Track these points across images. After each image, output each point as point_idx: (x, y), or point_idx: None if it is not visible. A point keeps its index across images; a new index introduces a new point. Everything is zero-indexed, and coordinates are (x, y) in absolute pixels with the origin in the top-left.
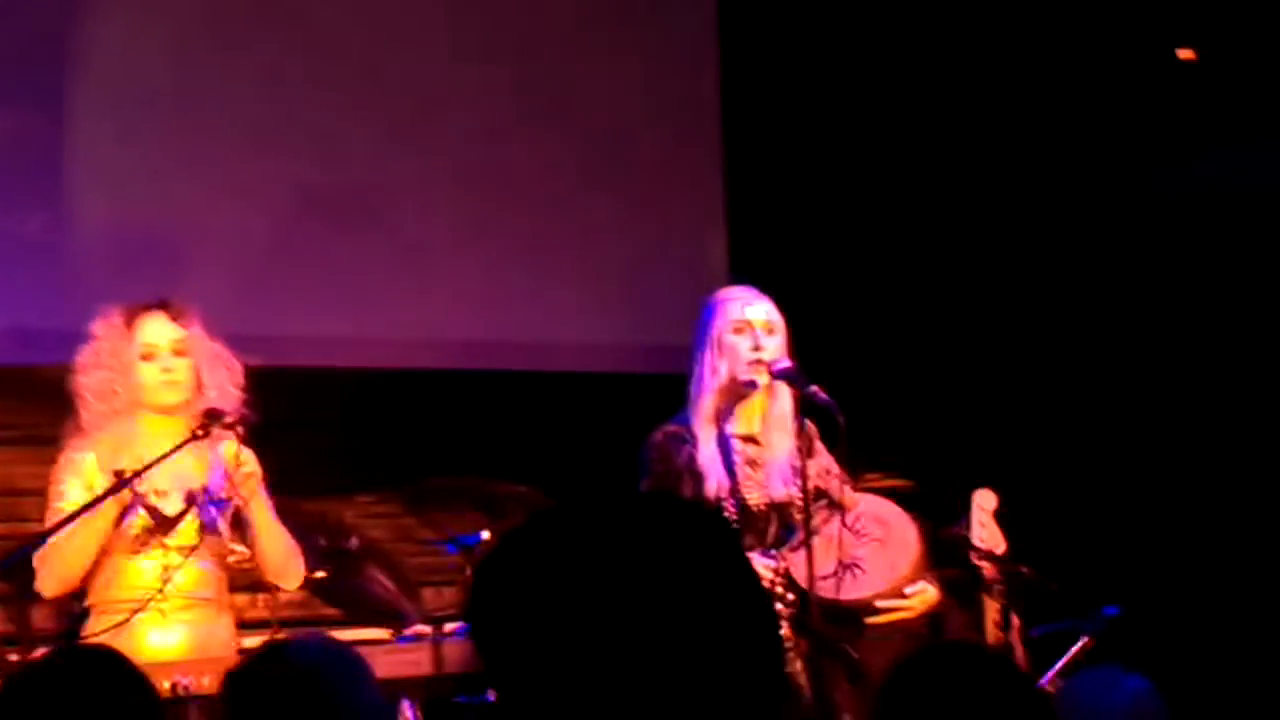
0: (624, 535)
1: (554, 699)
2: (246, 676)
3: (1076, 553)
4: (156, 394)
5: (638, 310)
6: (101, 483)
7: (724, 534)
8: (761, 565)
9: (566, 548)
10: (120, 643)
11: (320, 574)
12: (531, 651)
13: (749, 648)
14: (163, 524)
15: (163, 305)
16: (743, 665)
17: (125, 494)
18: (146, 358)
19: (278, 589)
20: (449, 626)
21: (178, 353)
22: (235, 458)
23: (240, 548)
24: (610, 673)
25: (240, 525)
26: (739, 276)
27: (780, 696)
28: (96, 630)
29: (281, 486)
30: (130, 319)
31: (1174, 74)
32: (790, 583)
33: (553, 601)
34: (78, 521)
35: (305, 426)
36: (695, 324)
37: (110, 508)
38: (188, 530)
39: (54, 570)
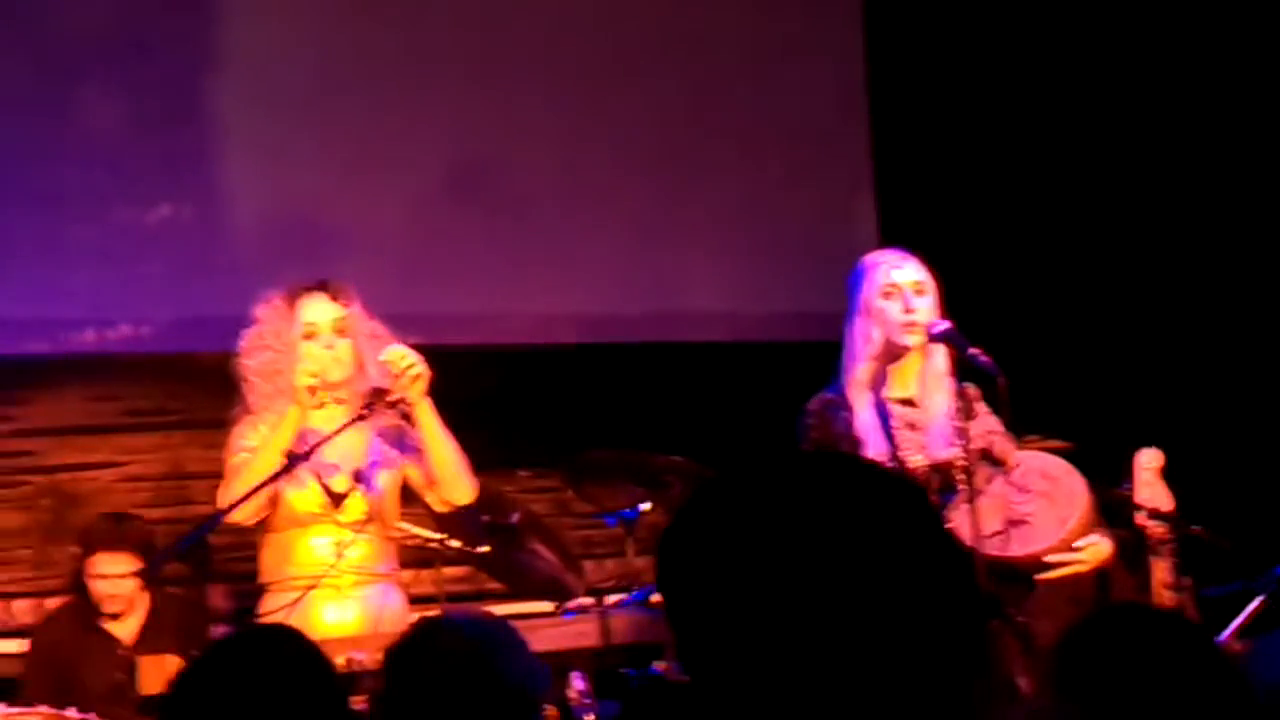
0: (812, 495)
1: (745, 666)
2: (404, 652)
3: (1249, 511)
4: (325, 373)
5: (789, 278)
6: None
7: (916, 495)
8: None
9: (754, 509)
10: (296, 620)
11: (484, 548)
12: (723, 617)
13: (947, 612)
14: (333, 500)
15: (322, 285)
16: (941, 630)
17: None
18: (309, 336)
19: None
20: (612, 598)
21: (339, 331)
22: (401, 359)
23: (404, 525)
24: (802, 638)
25: (406, 498)
26: (889, 240)
27: (981, 663)
28: (272, 608)
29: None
30: (291, 299)
31: None
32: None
33: (743, 564)
34: (260, 452)
35: (464, 404)
36: (845, 290)
37: (290, 426)
38: (355, 506)
39: (238, 492)
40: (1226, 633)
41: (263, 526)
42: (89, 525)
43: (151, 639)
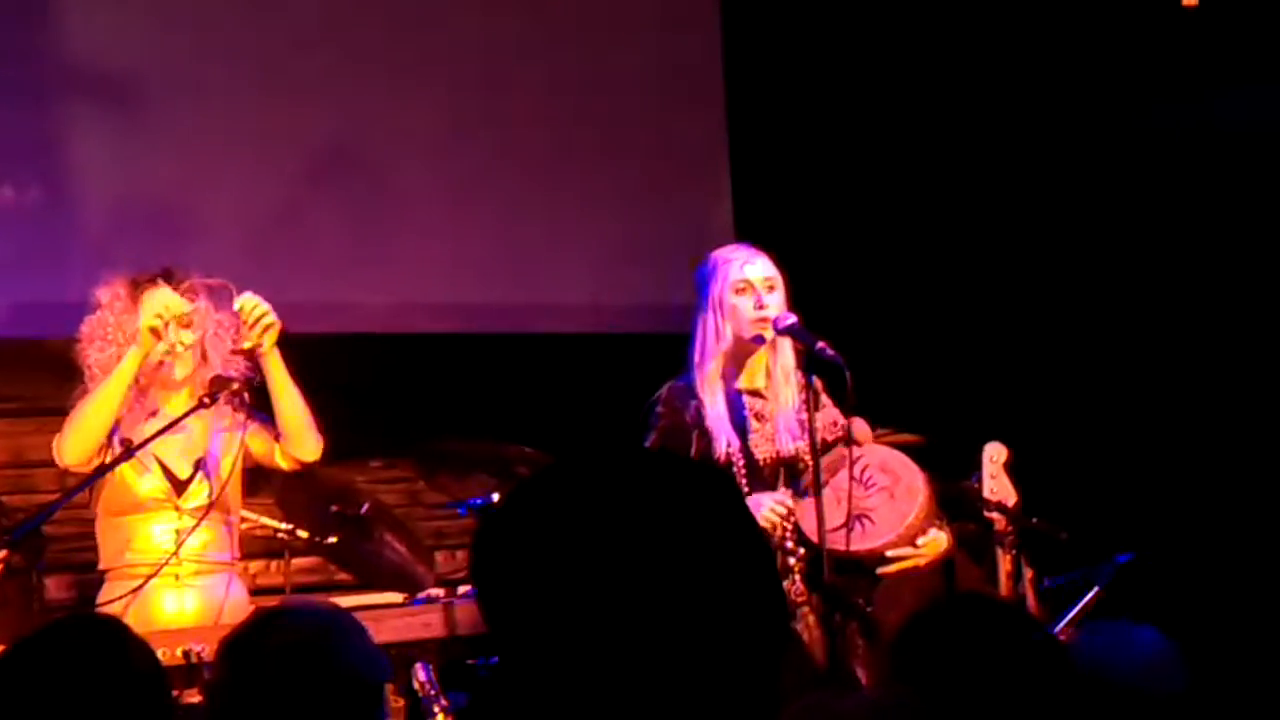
0: (625, 491)
1: (556, 657)
2: (238, 642)
3: (1088, 504)
4: (167, 368)
5: (644, 270)
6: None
7: (726, 489)
8: (770, 507)
9: (567, 505)
10: (135, 610)
11: (333, 539)
12: (533, 610)
13: (752, 604)
14: (175, 486)
15: (167, 276)
16: (745, 622)
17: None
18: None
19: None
20: (462, 589)
21: (183, 325)
22: (254, 308)
23: (251, 515)
24: (611, 630)
25: (250, 484)
26: (744, 234)
27: (781, 652)
28: (110, 597)
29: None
30: (135, 291)
31: (1177, 19)
32: (800, 536)
33: (554, 559)
34: (97, 390)
35: (314, 392)
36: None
37: (130, 367)
38: (198, 492)
39: (72, 431)
40: (1064, 621)
41: (103, 511)
42: None
43: (6, 622)
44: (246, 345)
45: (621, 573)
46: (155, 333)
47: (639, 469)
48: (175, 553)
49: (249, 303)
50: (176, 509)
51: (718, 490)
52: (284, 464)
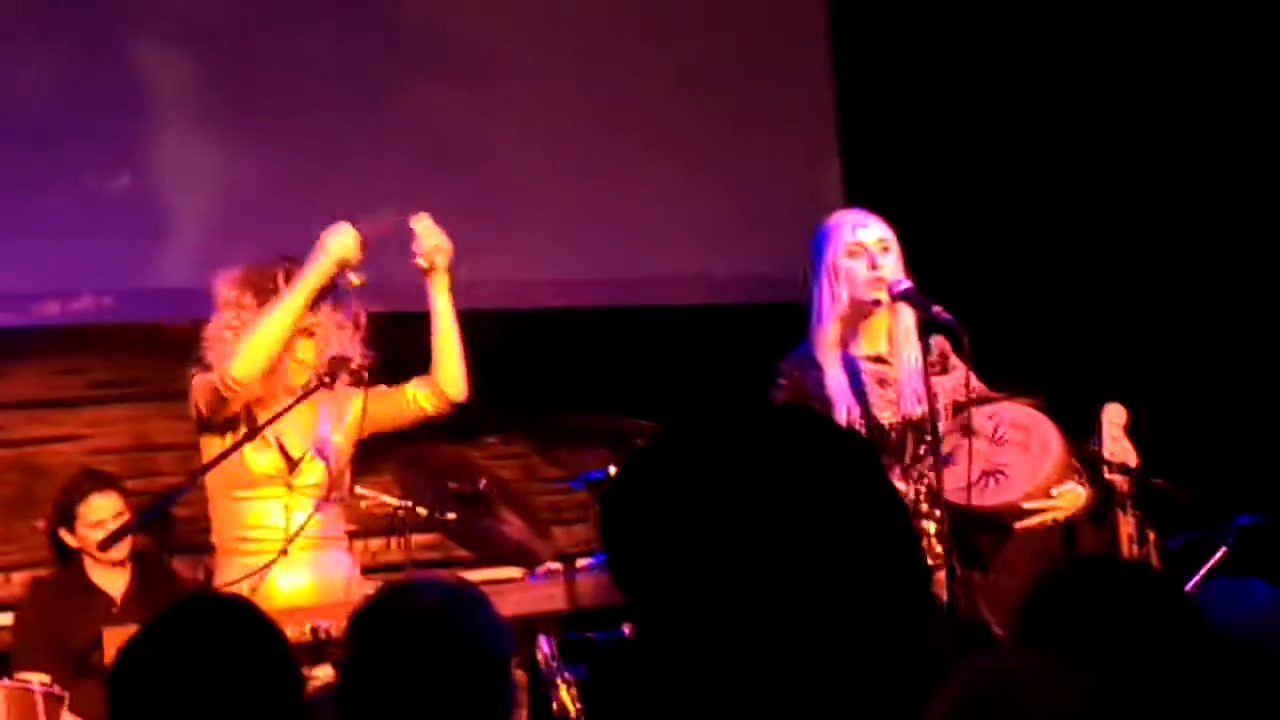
0: (761, 451)
1: (692, 625)
2: (368, 616)
3: (1211, 464)
4: (292, 374)
5: (754, 240)
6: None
7: (862, 448)
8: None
9: (698, 466)
10: (256, 587)
11: (451, 515)
12: (666, 576)
13: (893, 567)
14: (290, 464)
15: (288, 274)
16: (887, 584)
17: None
18: None
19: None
20: (580, 562)
21: (308, 335)
22: (429, 232)
23: (369, 492)
24: (748, 595)
25: (368, 462)
26: (854, 199)
27: (925, 616)
28: (229, 578)
29: (409, 432)
30: (261, 300)
31: None
32: (934, 497)
33: (687, 522)
34: (274, 308)
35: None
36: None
37: (311, 282)
38: (311, 471)
39: (247, 347)
40: (1190, 583)
41: (216, 488)
42: (68, 483)
43: (138, 602)
44: (422, 264)
45: (757, 535)
46: (342, 268)
47: (768, 426)
48: (294, 536)
49: (424, 225)
50: (288, 486)
51: (854, 451)
52: (427, 406)
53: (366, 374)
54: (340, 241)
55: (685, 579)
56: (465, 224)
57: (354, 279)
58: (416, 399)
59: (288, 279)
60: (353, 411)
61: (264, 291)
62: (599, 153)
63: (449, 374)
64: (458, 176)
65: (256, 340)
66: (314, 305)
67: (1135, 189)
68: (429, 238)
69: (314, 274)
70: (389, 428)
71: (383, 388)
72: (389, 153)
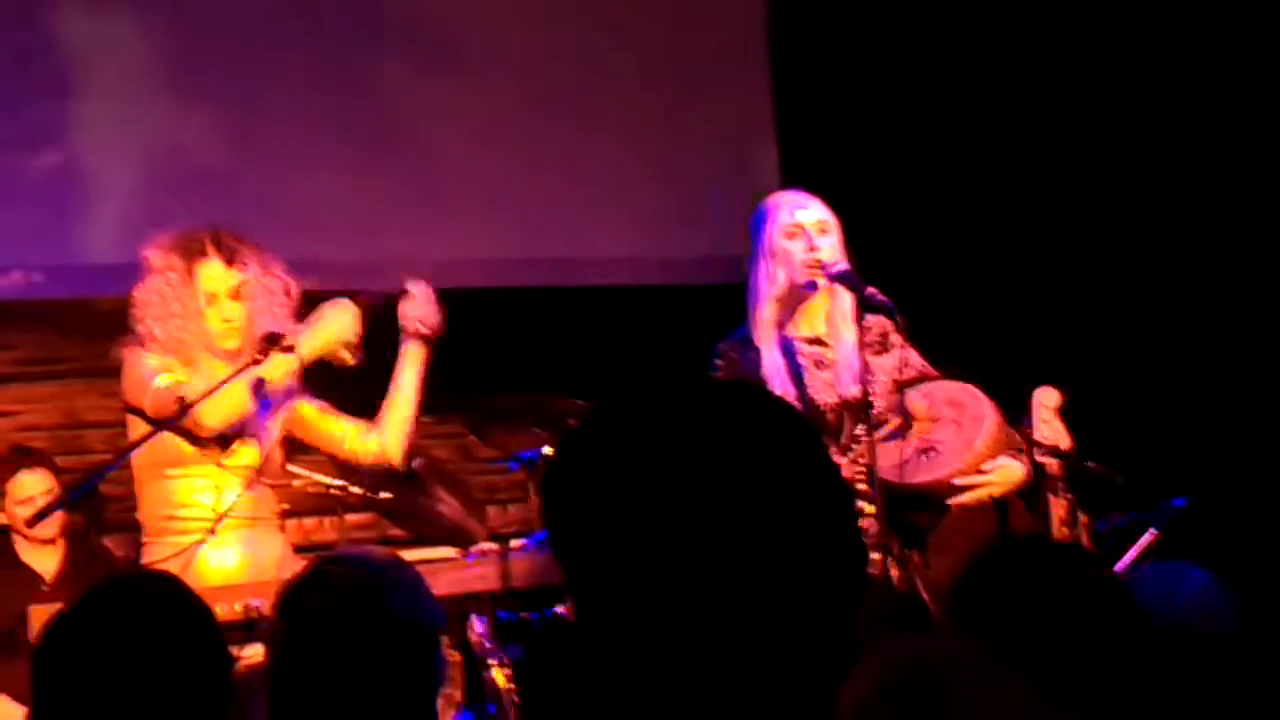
0: (699, 425)
1: (630, 601)
2: (295, 591)
3: (1141, 447)
4: (219, 340)
5: (690, 222)
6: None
7: (801, 423)
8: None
9: (639, 440)
10: (180, 568)
11: (385, 495)
12: (605, 551)
13: (831, 546)
14: (221, 443)
15: (216, 244)
16: (825, 564)
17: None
18: (208, 303)
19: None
20: (515, 543)
21: (234, 297)
22: (423, 298)
23: (303, 471)
24: (685, 571)
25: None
26: (790, 181)
27: (860, 594)
28: (156, 557)
29: (342, 410)
30: (189, 262)
31: None
32: (870, 475)
33: (626, 496)
34: (233, 383)
35: (365, 348)
36: (747, 233)
37: (275, 374)
38: (244, 452)
39: (218, 415)
40: (1120, 565)
41: (145, 466)
42: None
43: (69, 580)
44: (404, 326)
45: (696, 510)
46: (348, 350)
47: (714, 403)
48: (223, 516)
49: (419, 291)
50: (219, 465)
51: (794, 426)
52: (363, 458)
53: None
54: (341, 322)
55: (624, 554)
56: (401, 203)
57: (348, 357)
58: (353, 448)
59: (216, 245)
60: (284, 409)
61: (191, 254)
62: (534, 132)
63: (395, 438)
64: (394, 153)
65: (234, 397)
66: (243, 264)
67: (1068, 171)
68: (417, 307)
69: (309, 349)
70: (310, 444)
71: (319, 407)
72: (325, 128)
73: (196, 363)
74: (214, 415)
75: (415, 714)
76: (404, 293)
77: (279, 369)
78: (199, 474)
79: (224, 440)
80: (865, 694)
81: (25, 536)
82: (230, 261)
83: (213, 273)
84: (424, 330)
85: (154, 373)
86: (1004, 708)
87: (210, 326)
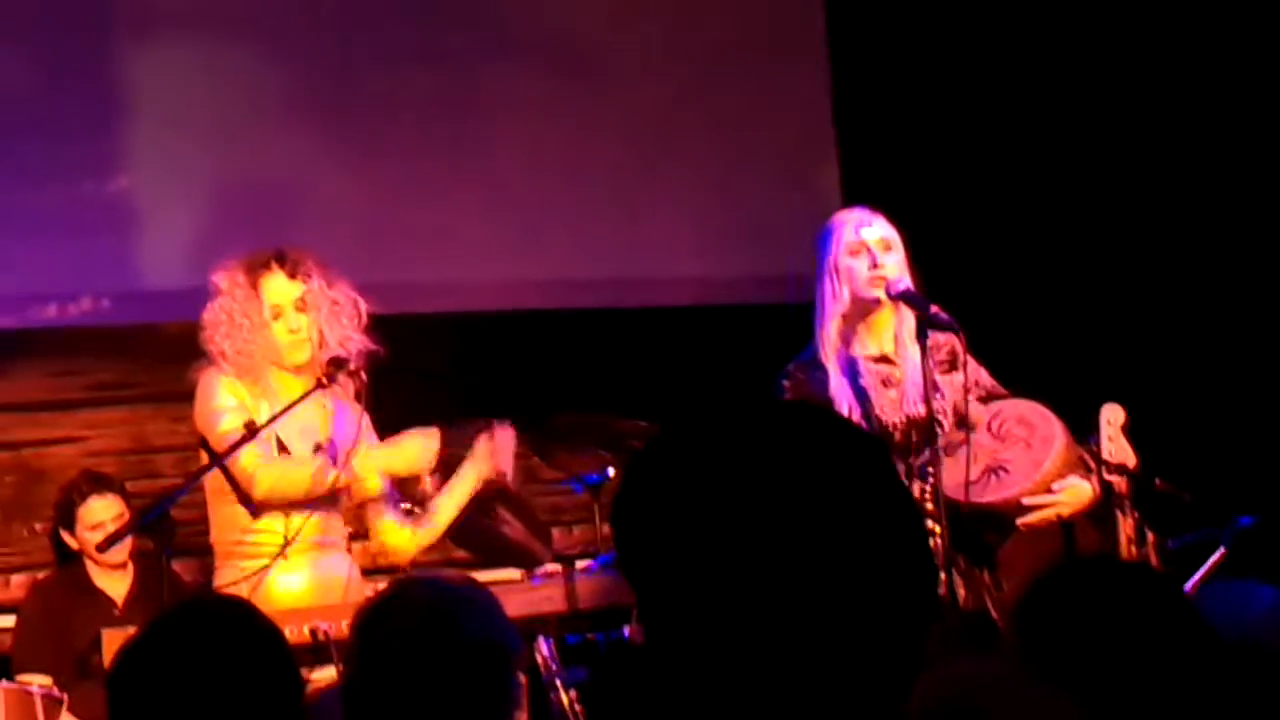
0: (768, 447)
1: (700, 624)
2: (371, 614)
3: (1210, 465)
4: (289, 354)
5: (753, 241)
6: (248, 397)
7: (872, 445)
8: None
9: (709, 463)
10: (254, 590)
11: None
12: (676, 573)
13: (903, 570)
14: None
15: (280, 260)
16: (896, 584)
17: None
18: (275, 317)
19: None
20: (580, 564)
21: (300, 309)
22: (504, 444)
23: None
24: (756, 594)
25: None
26: (852, 200)
27: (931, 617)
28: (227, 580)
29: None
30: (253, 277)
31: None
32: (937, 495)
33: (697, 519)
34: (316, 475)
35: (426, 373)
36: (813, 251)
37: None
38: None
39: (278, 484)
40: (1190, 584)
41: (217, 493)
42: (68, 484)
43: (140, 604)
44: (474, 455)
45: (767, 534)
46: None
47: (783, 425)
48: (290, 541)
49: (502, 436)
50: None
51: (865, 448)
52: (389, 545)
53: (364, 374)
54: (421, 451)
55: (693, 577)
56: (464, 226)
57: (425, 484)
58: (387, 528)
59: (279, 260)
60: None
61: (254, 270)
62: (597, 153)
63: (424, 541)
64: (456, 176)
65: (291, 482)
66: (306, 276)
67: (1136, 189)
68: (498, 452)
69: (383, 464)
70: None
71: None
72: (388, 150)
73: (266, 379)
74: (267, 485)
75: None
76: (490, 431)
77: (368, 480)
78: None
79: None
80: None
81: (96, 562)
82: (293, 275)
83: (276, 285)
84: (491, 474)
85: (221, 412)
86: None
87: (277, 339)
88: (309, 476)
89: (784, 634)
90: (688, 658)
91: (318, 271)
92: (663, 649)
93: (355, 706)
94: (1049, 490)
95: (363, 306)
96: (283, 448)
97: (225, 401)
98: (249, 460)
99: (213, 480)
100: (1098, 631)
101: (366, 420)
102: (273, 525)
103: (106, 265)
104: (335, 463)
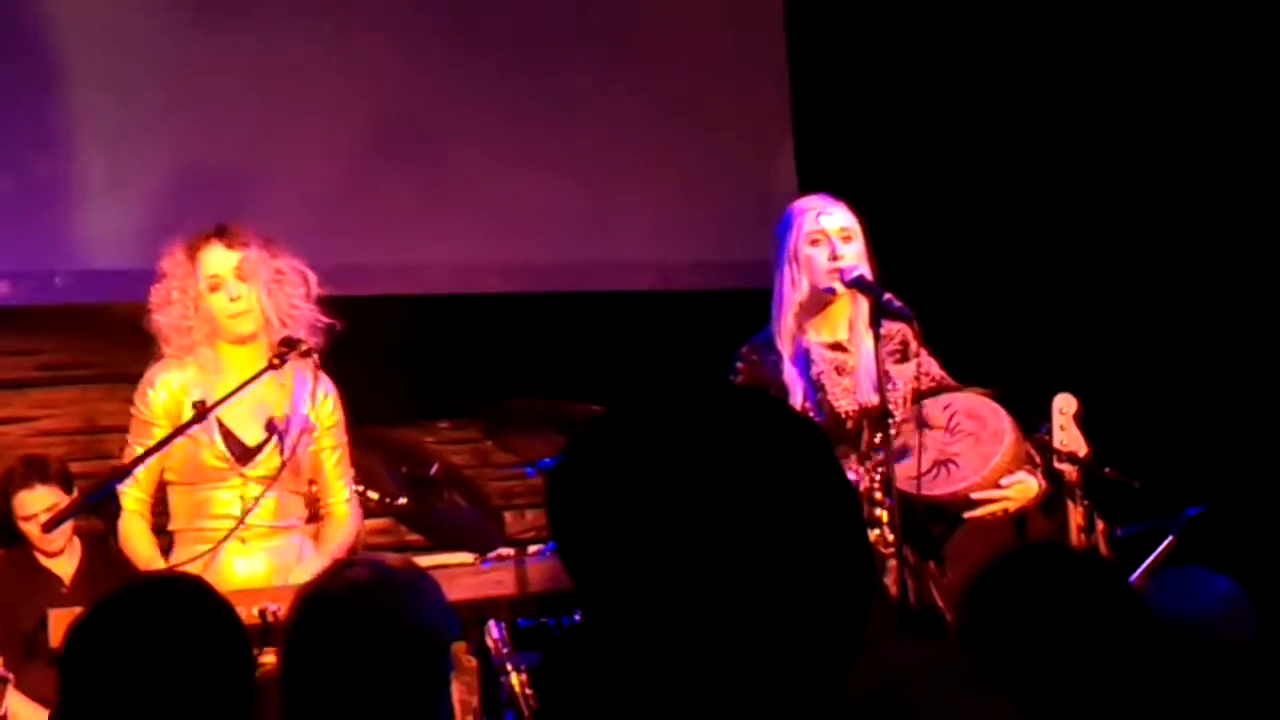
0: (707, 431)
1: (637, 607)
2: (309, 598)
3: (1159, 454)
4: (229, 324)
5: (710, 226)
6: (185, 407)
7: (811, 431)
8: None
9: (647, 446)
10: (205, 572)
11: (402, 501)
12: (613, 557)
13: (839, 553)
14: (242, 454)
15: (219, 232)
16: (832, 571)
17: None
18: (213, 289)
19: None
20: (532, 549)
21: (240, 278)
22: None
23: None
24: (692, 577)
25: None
26: (808, 187)
27: (866, 604)
28: (180, 560)
29: (361, 416)
30: (191, 252)
31: None
32: (887, 486)
33: (633, 502)
34: (140, 545)
35: (383, 354)
36: (771, 238)
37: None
38: (268, 460)
39: (124, 543)
40: (1138, 572)
41: (171, 476)
42: (6, 472)
43: (88, 583)
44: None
45: (702, 517)
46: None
47: (723, 410)
48: (241, 521)
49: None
50: (242, 477)
51: (804, 434)
52: (335, 516)
53: (316, 356)
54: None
55: (629, 559)
56: (417, 205)
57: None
58: (333, 509)
59: (218, 233)
60: (322, 411)
61: (193, 244)
62: (551, 137)
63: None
64: (408, 159)
65: (129, 551)
66: (244, 245)
67: (1091, 178)
68: None
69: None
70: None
71: (338, 458)
72: (340, 134)
73: (212, 356)
74: (121, 534)
75: (423, 718)
76: None
77: None
78: (224, 486)
79: (247, 452)
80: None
81: (37, 547)
82: (231, 245)
83: (215, 256)
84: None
85: (133, 430)
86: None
87: (215, 309)
88: (136, 559)
89: (719, 615)
90: (624, 640)
91: (259, 242)
92: (600, 632)
93: (292, 688)
94: (997, 485)
95: (311, 278)
96: (231, 438)
97: (143, 415)
98: (128, 501)
99: (169, 463)
100: (1042, 618)
101: (332, 400)
102: (228, 510)
103: (59, 245)
104: (283, 441)
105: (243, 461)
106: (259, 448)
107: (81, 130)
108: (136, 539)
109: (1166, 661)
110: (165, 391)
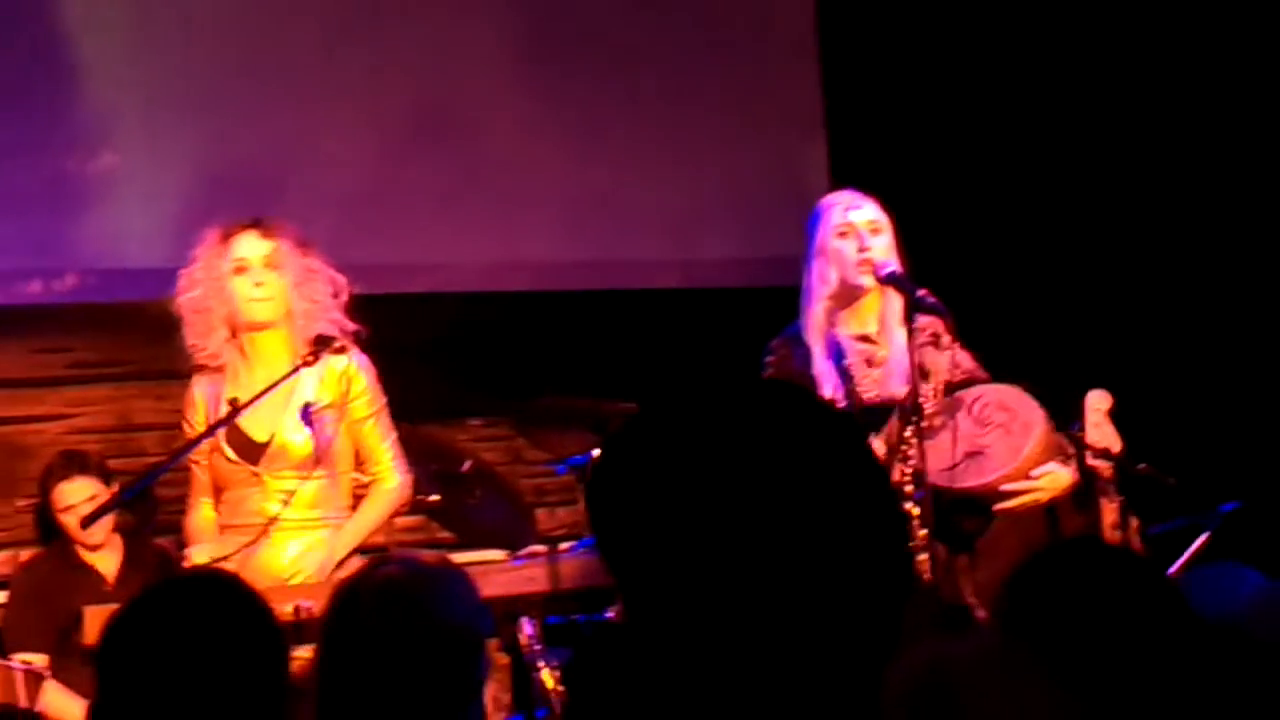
0: (743, 426)
1: (677, 603)
2: (343, 594)
3: (1194, 450)
4: (248, 309)
5: (740, 225)
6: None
7: (847, 424)
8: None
9: (684, 442)
10: (241, 566)
11: (434, 498)
12: (652, 554)
13: (876, 545)
14: (249, 453)
15: (255, 222)
16: (870, 562)
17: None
18: (238, 272)
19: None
20: (563, 546)
21: (268, 266)
22: None
23: (354, 473)
24: (731, 572)
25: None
26: (840, 183)
27: (905, 596)
28: (215, 556)
29: (393, 413)
30: (225, 236)
31: None
32: (918, 478)
33: (672, 498)
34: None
35: (415, 352)
36: (802, 234)
37: None
38: (285, 449)
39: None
40: (1173, 569)
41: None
42: (47, 465)
43: (130, 579)
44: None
45: (740, 512)
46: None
47: (758, 404)
48: (272, 520)
49: None
50: (255, 475)
51: (840, 427)
52: (384, 487)
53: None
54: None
55: (668, 556)
56: (448, 202)
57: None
58: (380, 479)
59: (254, 222)
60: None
61: (228, 230)
62: (580, 134)
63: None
64: (437, 158)
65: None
66: (278, 236)
67: (1122, 173)
68: None
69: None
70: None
71: (383, 430)
72: (371, 133)
73: (236, 344)
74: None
75: (457, 716)
76: None
77: None
78: (247, 485)
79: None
80: (891, 701)
81: (77, 541)
82: (266, 235)
83: (246, 242)
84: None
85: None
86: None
87: (237, 293)
88: (193, 555)
89: (757, 612)
90: (662, 637)
91: (294, 239)
92: (638, 628)
93: (326, 684)
94: (1028, 476)
95: (341, 283)
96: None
97: (188, 434)
98: (205, 510)
99: (203, 461)
100: (1081, 615)
101: (354, 368)
102: (257, 505)
103: (91, 242)
104: (310, 425)
105: (251, 460)
106: (265, 444)
107: (112, 129)
108: (198, 531)
109: (1205, 657)
110: (202, 402)
